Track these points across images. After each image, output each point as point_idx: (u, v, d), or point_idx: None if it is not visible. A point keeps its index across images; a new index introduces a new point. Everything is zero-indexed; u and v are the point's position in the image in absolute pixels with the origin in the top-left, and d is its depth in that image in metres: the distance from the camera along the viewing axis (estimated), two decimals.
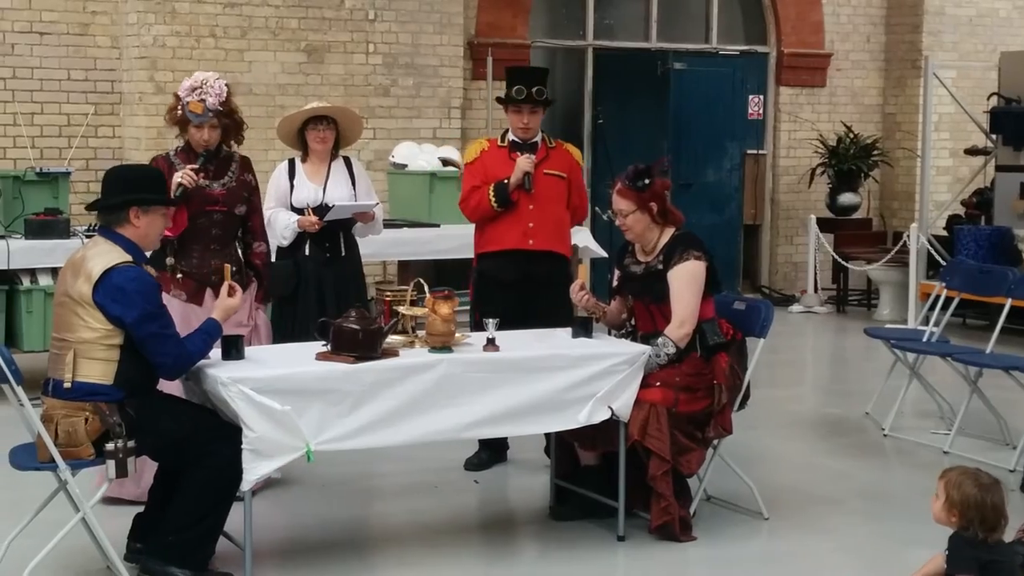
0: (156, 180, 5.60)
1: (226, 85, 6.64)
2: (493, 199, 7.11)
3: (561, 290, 6.93)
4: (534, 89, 7.14)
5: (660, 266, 6.20)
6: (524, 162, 7.10)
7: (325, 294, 7.24)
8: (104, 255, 5.25)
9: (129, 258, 5.26)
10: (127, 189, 5.39)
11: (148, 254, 5.64)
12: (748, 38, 15.01)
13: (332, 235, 7.33)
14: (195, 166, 6.57)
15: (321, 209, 7.23)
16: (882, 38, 15.39)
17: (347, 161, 7.50)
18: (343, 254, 7.40)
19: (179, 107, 6.58)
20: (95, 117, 11.65)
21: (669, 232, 6.28)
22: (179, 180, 6.50)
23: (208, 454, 5.22)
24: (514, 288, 7.06)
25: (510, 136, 7.27)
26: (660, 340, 6.07)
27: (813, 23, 14.98)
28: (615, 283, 6.54)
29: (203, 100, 6.51)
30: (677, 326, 6.09)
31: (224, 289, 5.62)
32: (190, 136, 6.63)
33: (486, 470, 7.31)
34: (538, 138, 7.26)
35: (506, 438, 7.23)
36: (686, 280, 6.12)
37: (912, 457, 7.88)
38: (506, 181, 7.10)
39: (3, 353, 5.09)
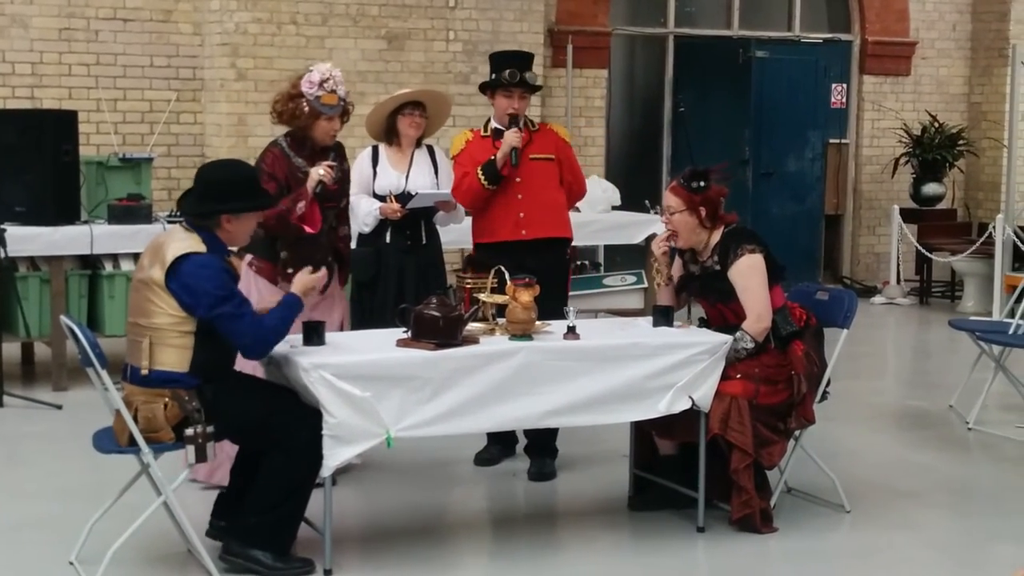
0: (250, 184, 5.51)
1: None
2: (483, 178, 7.01)
3: (556, 279, 6.92)
4: (527, 73, 7.09)
5: (717, 266, 6.14)
6: (511, 136, 6.98)
7: (405, 282, 7.21)
8: (179, 242, 5.26)
9: (203, 248, 5.26)
10: (221, 197, 5.34)
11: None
12: (831, 26, 14.85)
13: (414, 223, 7.29)
14: (332, 163, 6.53)
15: (403, 197, 7.21)
16: (968, 26, 15.17)
17: (430, 149, 7.44)
18: (424, 242, 7.37)
19: (304, 102, 6.48)
20: (177, 104, 11.74)
21: (719, 231, 6.18)
22: (320, 177, 6.43)
23: (288, 437, 5.24)
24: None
25: (493, 124, 7.18)
26: (738, 334, 6.01)
27: (898, 11, 14.79)
28: (676, 282, 6.43)
29: (335, 91, 6.51)
30: (754, 320, 6.02)
31: (306, 270, 5.60)
32: (317, 129, 6.56)
33: (496, 465, 7.20)
34: (519, 124, 7.11)
35: (514, 432, 7.12)
36: (748, 275, 6.05)
37: (997, 451, 7.77)
38: (493, 158, 7.01)
39: (88, 337, 5.13)
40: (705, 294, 6.27)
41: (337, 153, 6.76)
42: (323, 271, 5.65)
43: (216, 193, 5.36)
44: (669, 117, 14.14)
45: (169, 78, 11.84)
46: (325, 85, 6.48)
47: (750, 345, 6.01)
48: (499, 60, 7.25)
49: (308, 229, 6.45)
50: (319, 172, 6.45)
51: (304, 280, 5.54)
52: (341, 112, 6.62)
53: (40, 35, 11.42)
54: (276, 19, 11.69)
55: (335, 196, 6.67)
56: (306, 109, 6.50)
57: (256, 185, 5.56)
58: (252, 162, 6.47)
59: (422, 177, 7.29)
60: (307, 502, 5.39)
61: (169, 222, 9.00)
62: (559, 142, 7.26)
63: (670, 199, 6.16)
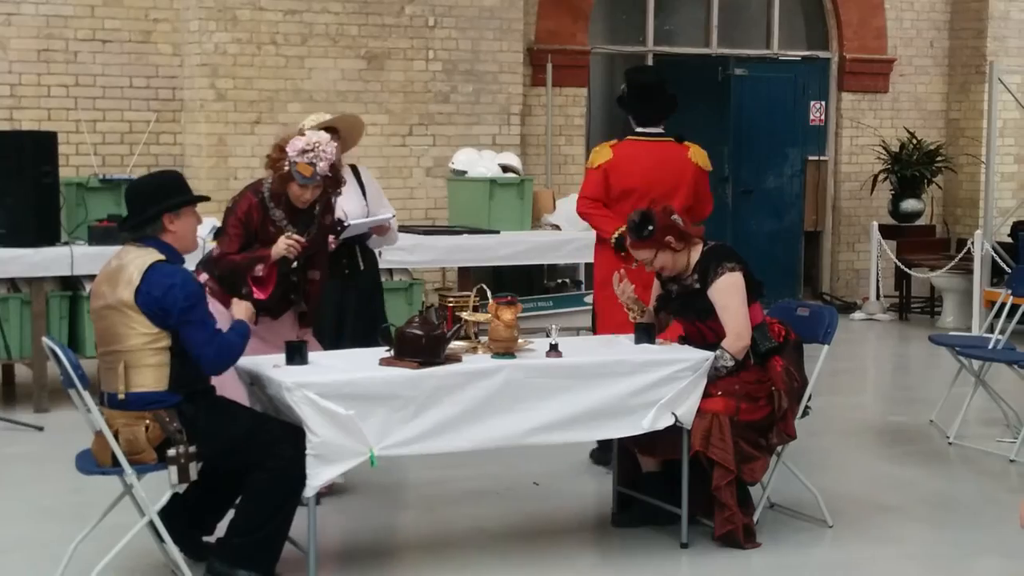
0: (179, 183, 5.53)
1: (336, 147, 6.38)
2: None
3: None
4: None
5: (697, 285, 6.16)
6: None
7: (344, 314, 7.05)
8: (138, 258, 5.26)
9: (163, 257, 5.28)
10: (154, 199, 5.37)
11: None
12: (810, 43, 14.92)
13: (349, 251, 7.11)
14: (299, 238, 6.34)
15: (336, 225, 6.93)
16: (946, 43, 15.26)
17: (354, 169, 7.28)
18: (362, 268, 7.23)
19: (286, 162, 6.27)
20: (157, 124, 11.73)
21: (698, 249, 6.21)
22: (284, 253, 6.28)
23: (271, 456, 5.24)
24: None
25: None
26: (718, 352, 6.03)
27: (876, 28, 14.87)
28: (653, 303, 6.47)
29: (313, 164, 6.25)
30: (734, 339, 6.04)
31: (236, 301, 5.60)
32: (290, 191, 6.33)
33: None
34: None
35: None
36: (728, 293, 6.07)
37: (977, 465, 7.80)
38: None
39: (70, 358, 5.12)
40: (683, 313, 6.29)
41: (323, 207, 6.57)
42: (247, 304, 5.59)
43: (149, 198, 5.38)
44: None
45: (148, 99, 11.83)
46: (306, 155, 6.24)
47: (730, 363, 6.02)
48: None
49: (258, 294, 6.31)
50: (284, 246, 6.30)
51: (242, 306, 5.55)
52: (316, 186, 6.32)
53: (19, 57, 11.40)
54: (256, 39, 11.70)
55: (305, 251, 6.48)
56: (285, 168, 6.31)
57: (184, 183, 5.56)
58: (230, 182, 6.50)
59: (350, 201, 7.06)
60: (291, 521, 5.38)
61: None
62: None
63: (640, 254, 6.18)
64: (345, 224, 6.94)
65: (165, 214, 5.34)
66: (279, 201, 6.43)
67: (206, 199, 5.68)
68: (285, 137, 6.47)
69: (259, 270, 6.35)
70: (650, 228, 6.11)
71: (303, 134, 6.40)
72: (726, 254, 6.19)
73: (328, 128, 7.05)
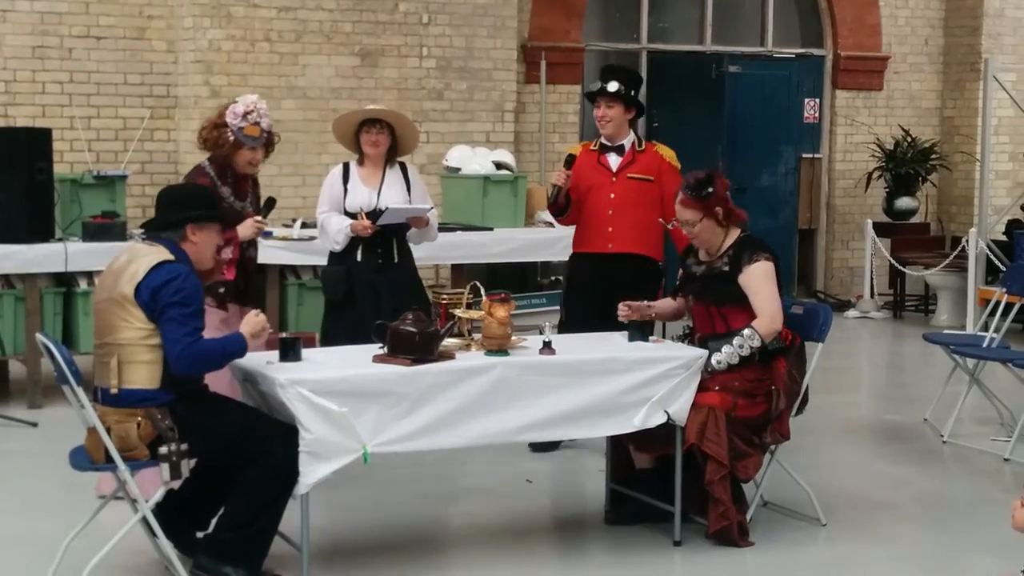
0: (209, 199, 5.65)
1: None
2: (549, 197, 7.55)
3: (646, 294, 6.91)
4: (609, 83, 7.44)
5: (725, 268, 6.16)
6: (554, 176, 7.49)
7: (382, 301, 7.13)
8: (148, 255, 5.27)
9: (172, 257, 5.27)
10: (183, 207, 5.43)
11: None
12: (804, 41, 14.93)
13: (385, 241, 7.26)
14: (263, 220, 6.70)
15: (375, 214, 7.18)
16: (940, 41, 15.26)
17: (403, 167, 7.42)
18: (396, 261, 7.32)
19: (229, 132, 6.57)
20: (151, 121, 11.72)
21: (734, 234, 6.23)
22: (252, 235, 6.65)
23: (263, 453, 5.22)
24: (598, 290, 7.25)
25: (601, 139, 7.55)
26: (747, 332, 6.02)
27: (870, 25, 14.87)
28: (677, 282, 6.51)
29: (258, 123, 6.61)
30: (768, 321, 6.05)
31: (252, 313, 5.54)
32: (239, 158, 6.65)
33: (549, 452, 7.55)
34: (627, 141, 7.50)
35: None
36: (763, 278, 6.09)
37: (972, 464, 7.80)
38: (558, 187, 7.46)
39: (63, 354, 5.12)
40: (704, 295, 6.27)
41: (254, 182, 6.90)
42: (263, 317, 5.54)
43: (180, 205, 5.43)
44: (643, 132, 14.15)
45: (143, 95, 11.83)
46: (248, 117, 6.58)
47: (757, 344, 6.02)
48: (600, 73, 7.70)
49: (227, 275, 6.49)
50: (253, 230, 6.63)
51: (252, 323, 5.45)
52: (264, 144, 6.70)
53: (13, 53, 11.40)
54: (250, 36, 11.70)
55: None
56: (230, 139, 6.59)
57: (213, 201, 5.67)
58: None
59: (394, 195, 7.25)
60: (280, 518, 5.37)
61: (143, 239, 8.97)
62: (662, 164, 7.50)
63: (685, 213, 6.18)
64: (382, 209, 7.13)
65: (189, 224, 5.37)
66: (225, 178, 6.67)
67: (225, 221, 5.77)
68: (210, 118, 6.75)
69: (228, 253, 6.51)
70: (709, 190, 6.13)
71: (236, 103, 6.63)
72: (763, 245, 6.21)
73: (380, 121, 7.17)
